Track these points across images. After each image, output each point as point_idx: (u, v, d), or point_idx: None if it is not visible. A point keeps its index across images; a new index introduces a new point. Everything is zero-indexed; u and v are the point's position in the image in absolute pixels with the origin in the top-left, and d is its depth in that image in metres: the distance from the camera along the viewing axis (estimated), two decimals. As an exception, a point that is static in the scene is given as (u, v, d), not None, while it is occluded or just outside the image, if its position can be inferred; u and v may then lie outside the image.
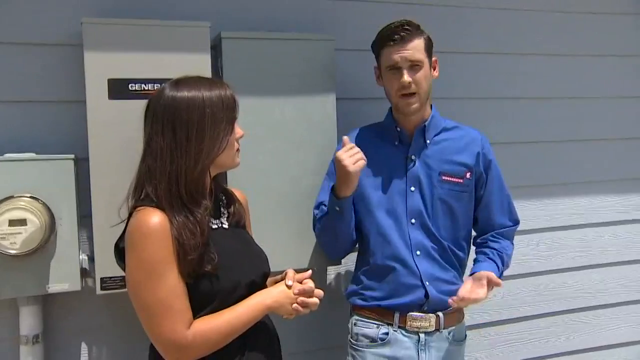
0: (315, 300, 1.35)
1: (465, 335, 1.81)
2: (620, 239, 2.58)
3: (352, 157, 1.58)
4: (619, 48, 2.53)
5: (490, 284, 1.58)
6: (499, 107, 2.34)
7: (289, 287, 1.34)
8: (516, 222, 1.83)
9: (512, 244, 1.82)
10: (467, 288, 1.58)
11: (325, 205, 1.73)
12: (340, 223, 1.69)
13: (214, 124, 1.27)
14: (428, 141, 1.73)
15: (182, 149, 1.25)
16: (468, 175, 1.73)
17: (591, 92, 2.49)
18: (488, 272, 1.60)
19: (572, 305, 2.50)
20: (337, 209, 1.65)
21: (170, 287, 1.20)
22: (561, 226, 2.47)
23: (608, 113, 2.52)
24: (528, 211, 2.40)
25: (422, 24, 1.69)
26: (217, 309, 1.27)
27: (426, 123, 1.72)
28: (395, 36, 1.64)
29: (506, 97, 2.36)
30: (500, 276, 1.67)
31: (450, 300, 1.57)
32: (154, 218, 1.21)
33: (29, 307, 1.67)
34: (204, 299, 1.26)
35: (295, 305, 1.34)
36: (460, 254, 1.76)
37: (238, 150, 1.37)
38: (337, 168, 1.61)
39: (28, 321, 1.67)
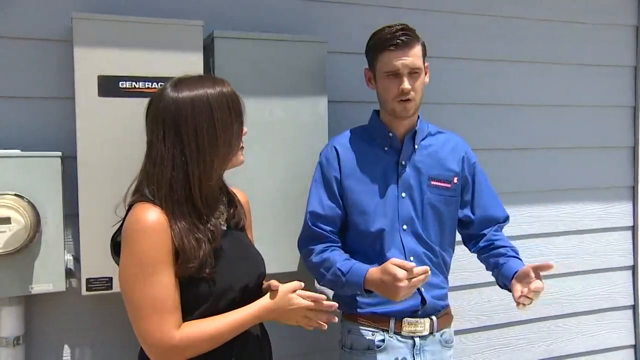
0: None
1: (453, 338, 1.80)
2: (602, 246, 2.61)
3: (410, 289, 1.45)
4: (603, 58, 2.57)
5: (541, 270, 1.54)
6: (483, 113, 2.36)
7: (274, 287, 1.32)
8: (507, 218, 1.86)
9: None
10: (519, 288, 1.55)
11: (340, 272, 1.58)
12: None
13: (225, 130, 1.25)
14: (416, 146, 1.73)
15: (193, 155, 1.22)
16: (455, 180, 1.75)
17: (575, 100, 2.52)
18: (531, 265, 1.57)
19: (557, 311, 2.52)
20: (359, 293, 1.59)
21: (163, 286, 1.18)
22: (545, 233, 2.50)
23: (592, 121, 2.56)
24: (512, 218, 2.40)
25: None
26: (208, 311, 1.25)
27: (417, 128, 1.73)
28: (397, 41, 1.60)
29: (491, 103, 2.37)
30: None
31: (520, 306, 1.53)
32: (152, 214, 1.19)
33: (10, 307, 1.63)
34: (197, 300, 1.24)
35: (307, 320, 1.33)
36: (447, 258, 1.78)
37: (242, 147, 1.34)
38: (387, 282, 1.45)
39: (9, 323, 1.63)
